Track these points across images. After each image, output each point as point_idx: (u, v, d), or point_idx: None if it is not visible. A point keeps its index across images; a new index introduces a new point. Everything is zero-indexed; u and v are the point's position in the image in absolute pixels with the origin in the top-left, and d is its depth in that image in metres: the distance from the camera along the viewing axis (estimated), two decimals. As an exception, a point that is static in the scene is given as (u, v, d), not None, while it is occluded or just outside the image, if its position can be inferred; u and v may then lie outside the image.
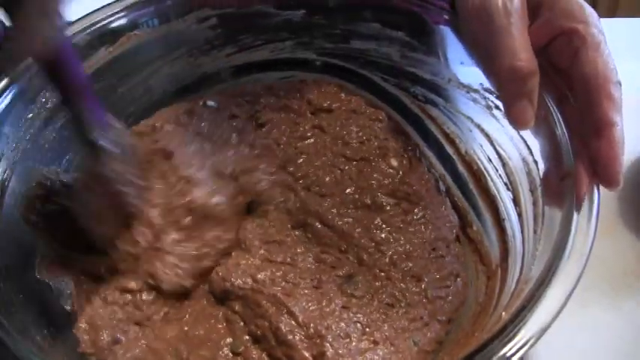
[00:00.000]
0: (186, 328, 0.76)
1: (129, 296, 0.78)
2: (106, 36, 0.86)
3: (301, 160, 0.88)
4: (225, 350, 0.74)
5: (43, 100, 0.81)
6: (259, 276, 0.77)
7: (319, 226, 0.82)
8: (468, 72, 0.85)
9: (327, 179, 0.86)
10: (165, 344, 0.75)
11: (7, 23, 0.60)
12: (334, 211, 0.83)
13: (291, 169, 0.87)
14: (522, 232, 0.76)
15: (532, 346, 0.57)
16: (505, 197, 0.81)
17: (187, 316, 0.77)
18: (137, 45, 0.88)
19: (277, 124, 0.91)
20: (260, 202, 0.85)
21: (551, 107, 0.71)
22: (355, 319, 0.75)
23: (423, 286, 0.79)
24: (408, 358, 0.73)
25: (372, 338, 0.73)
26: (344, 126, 0.91)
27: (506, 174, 0.81)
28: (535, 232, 0.71)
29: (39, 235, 0.79)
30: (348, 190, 0.86)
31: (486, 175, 0.85)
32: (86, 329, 0.76)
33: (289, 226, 0.83)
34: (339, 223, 0.82)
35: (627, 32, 1.16)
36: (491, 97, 0.81)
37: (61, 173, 0.83)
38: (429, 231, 0.84)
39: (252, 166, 0.86)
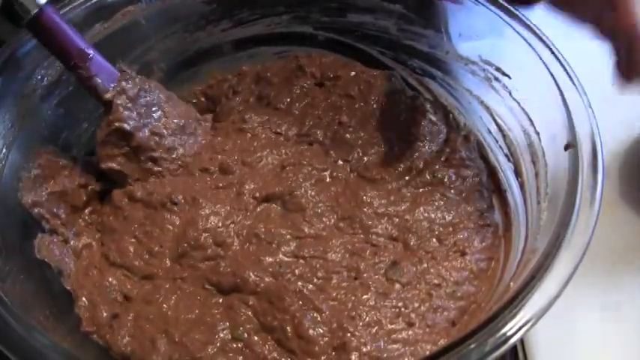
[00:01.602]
0: (168, 313, 0.75)
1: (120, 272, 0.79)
2: (101, 12, 0.85)
3: (347, 136, 0.88)
4: (222, 334, 0.73)
5: (39, 77, 0.80)
6: (285, 273, 0.76)
7: (372, 215, 0.81)
8: (466, 44, 0.85)
9: (375, 159, 0.86)
10: (153, 325, 0.74)
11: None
12: (392, 198, 0.82)
13: (332, 152, 0.87)
14: (525, 203, 0.76)
15: (541, 316, 0.58)
16: (506, 168, 0.82)
17: (167, 298, 0.76)
18: (133, 21, 0.87)
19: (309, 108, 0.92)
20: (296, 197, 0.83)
21: None
22: (392, 304, 0.74)
23: (467, 261, 0.78)
24: (443, 337, 0.73)
25: (406, 320, 0.73)
26: (367, 93, 0.91)
27: (507, 145, 0.81)
28: (538, 202, 0.72)
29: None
30: (400, 167, 0.85)
31: (486, 147, 0.86)
32: (86, 306, 0.76)
33: (333, 219, 0.81)
34: (394, 210, 0.82)
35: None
36: (491, 69, 0.82)
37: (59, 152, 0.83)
38: (478, 198, 0.83)
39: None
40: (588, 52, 1.01)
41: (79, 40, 0.78)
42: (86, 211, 0.84)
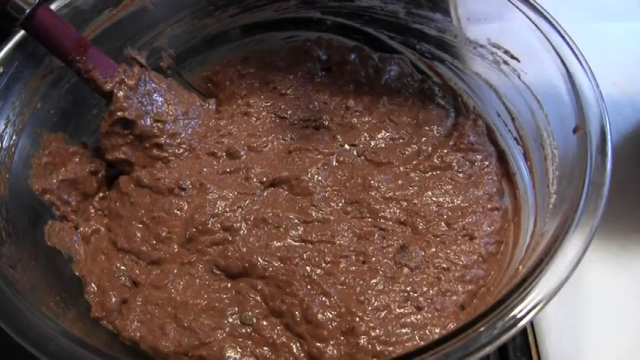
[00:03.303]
0: (177, 298, 0.76)
1: (127, 257, 0.80)
2: (109, -2, 0.85)
3: (354, 120, 0.89)
4: (230, 319, 0.74)
5: (47, 65, 0.80)
6: (293, 257, 0.76)
7: (380, 199, 0.81)
8: (475, 27, 0.84)
9: (383, 143, 0.86)
10: (162, 310, 0.75)
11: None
12: (400, 182, 0.83)
13: (339, 137, 0.87)
14: (534, 186, 0.76)
15: (550, 299, 0.58)
16: (515, 152, 0.82)
17: (176, 283, 0.77)
18: (141, 7, 0.87)
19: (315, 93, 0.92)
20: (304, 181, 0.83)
21: None
22: (400, 288, 0.74)
23: (475, 245, 0.78)
24: (452, 321, 0.73)
25: (415, 304, 0.73)
26: (375, 72, 0.91)
27: (516, 128, 0.81)
28: (547, 186, 0.72)
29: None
30: (408, 151, 0.85)
31: (495, 130, 0.85)
32: (95, 292, 0.77)
33: (341, 203, 0.82)
34: (403, 194, 0.82)
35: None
36: (499, 52, 0.81)
37: (69, 139, 0.83)
38: (487, 182, 0.83)
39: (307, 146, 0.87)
40: (598, 35, 1.01)
41: (75, 35, 0.78)
42: (96, 197, 0.85)
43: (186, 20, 0.91)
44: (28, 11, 0.74)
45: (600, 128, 0.67)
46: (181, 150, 0.85)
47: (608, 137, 0.66)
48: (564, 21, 1.00)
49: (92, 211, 0.84)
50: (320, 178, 0.82)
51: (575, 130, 0.68)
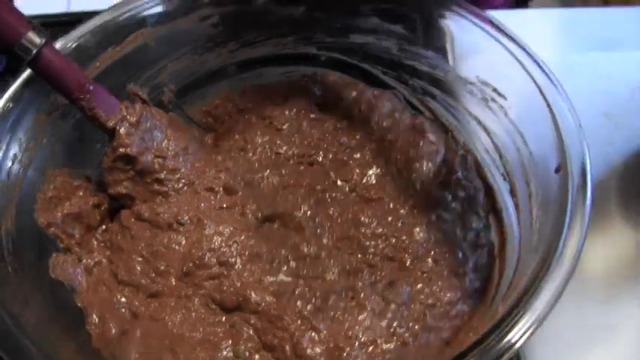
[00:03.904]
0: (174, 330, 0.79)
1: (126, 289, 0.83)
2: (112, 36, 0.88)
3: (347, 157, 0.91)
4: (224, 352, 0.77)
5: (53, 102, 0.83)
6: (285, 292, 0.79)
7: (369, 235, 0.83)
8: (465, 64, 0.87)
9: (374, 179, 0.89)
10: (160, 342, 0.78)
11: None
12: (389, 218, 0.85)
13: (332, 173, 0.90)
14: (519, 223, 0.78)
15: (527, 339, 0.60)
16: (503, 188, 0.84)
17: (173, 316, 0.80)
18: (144, 43, 0.90)
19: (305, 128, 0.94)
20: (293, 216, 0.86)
21: None
22: (387, 324, 0.77)
23: (462, 281, 0.80)
24: (436, 357, 0.75)
25: (401, 340, 0.76)
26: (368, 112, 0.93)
27: (503, 165, 0.83)
28: (531, 224, 0.74)
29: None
30: (398, 188, 0.87)
31: (484, 166, 0.88)
32: (96, 322, 0.80)
33: (332, 240, 0.84)
34: (392, 230, 0.84)
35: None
36: (487, 90, 0.83)
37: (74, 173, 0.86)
38: (474, 219, 0.85)
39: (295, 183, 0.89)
40: (592, 65, 1.03)
41: (79, 74, 0.81)
42: (99, 230, 0.88)
43: (187, 56, 0.93)
44: (34, 52, 0.77)
45: (581, 170, 0.69)
46: (180, 185, 0.88)
47: (589, 181, 0.68)
48: (559, 50, 1.03)
49: (95, 243, 0.86)
50: (312, 214, 0.85)
51: (557, 170, 0.70)
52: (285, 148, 0.92)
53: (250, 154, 0.91)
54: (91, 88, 0.82)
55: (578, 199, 0.67)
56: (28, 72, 0.81)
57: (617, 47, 1.07)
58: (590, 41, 1.08)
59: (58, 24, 1.14)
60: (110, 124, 0.84)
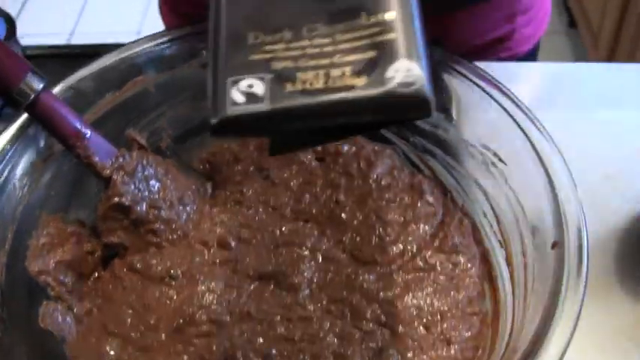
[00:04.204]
0: None
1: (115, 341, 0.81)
2: (112, 82, 0.88)
3: (343, 215, 0.90)
4: None
5: (50, 147, 0.83)
6: (274, 355, 0.78)
7: (362, 300, 0.82)
8: (467, 126, 0.86)
9: (369, 241, 0.87)
10: None
11: None
12: (383, 283, 0.83)
13: (328, 231, 0.89)
14: (513, 294, 0.77)
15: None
16: (499, 254, 0.83)
17: None
18: (143, 90, 0.89)
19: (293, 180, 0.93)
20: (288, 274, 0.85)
21: None
22: None
23: (452, 350, 0.79)
24: None
25: None
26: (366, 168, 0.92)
27: (501, 231, 0.82)
28: (525, 297, 0.73)
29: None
30: (393, 251, 0.86)
31: (481, 230, 0.87)
32: None
33: (324, 302, 0.83)
34: (385, 295, 0.83)
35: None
36: (488, 154, 0.83)
37: (67, 219, 0.86)
38: (469, 285, 0.84)
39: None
40: (594, 124, 1.02)
41: (76, 121, 0.81)
42: (91, 277, 0.87)
43: (187, 102, 0.93)
44: (32, 97, 0.77)
45: (578, 249, 0.68)
46: (175, 236, 0.87)
47: (585, 260, 0.67)
48: (561, 108, 1.03)
49: (86, 291, 0.86)
50: (306, 274, 0.84)
51: (553, 246, 0.70)
52: (281, 203, 0.91)
53: (245, 209, 0.91)
54: (88, 135, 0.82)
55: (573, 277, 0.67)
56: (23, 117, 0.81)
57: (619, 106, 1.06)
58: (593, 99, 1.08)
59: (59, 56, 1.15)
60: (106, 172, 0.84)
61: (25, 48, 1.16)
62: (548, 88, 1.11)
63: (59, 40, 1.13)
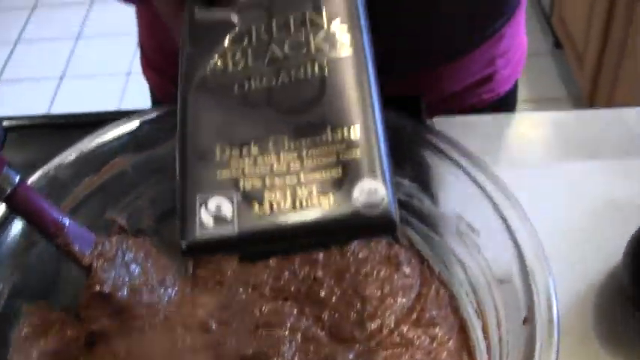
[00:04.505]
0: None
1: None
2: (89, 166, 0.89)
3: (322, 293, 0.90)
4: None
5: (31, 235, 0.84)
6: None
7: None
8: (440, 197, 0.87)
9: (347, 318, 0.87)
10: None
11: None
12: None
13: (307, 309, 0.89)
14: (490, 366, 0.78)
15: None
16: (476, 325, 0.83)
17: None
18: (120, 171, 0.91)
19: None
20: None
21: None
22: None
23: None
24: None
25: None
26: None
27: (477, 302, 0.83)
28: (500, 372, 0.74)
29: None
30: (371, 327, 0.86)
31: (458, 300, 0.87)
32: None
33: None
34: None
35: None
36: (462, 225, 0.83)
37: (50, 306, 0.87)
38: (446, 358, 0.84)
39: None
40: (568, 175, 1.03)
41: (54, 211, 0.82)
42: None
43: (165, 182, 0.93)
44: (8, 191, 0.78)
45: (549, 325, 0.69)
46: (157, 320, 0.88)
47: (555, 337, 0.68)
48: (535, 159, 1.04)
49: None
50: (286, 355, 0.85)
51: (524, 321, 0.71)
52: (260, 281, 0.92)
53: (226, 290, 0.91)
54: (67, 224, 0.83)
55: (545, 352, 0.67)
56: (2, 208, 0.82)
57: (594, 155, 1.07)
58: (567, 148, 1.09)
59: (37, 126, 1.15)
60: (86, 261, 0.84)
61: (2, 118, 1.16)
62: (519, 138, 1.12)
63: (39, 109, 1.13)
